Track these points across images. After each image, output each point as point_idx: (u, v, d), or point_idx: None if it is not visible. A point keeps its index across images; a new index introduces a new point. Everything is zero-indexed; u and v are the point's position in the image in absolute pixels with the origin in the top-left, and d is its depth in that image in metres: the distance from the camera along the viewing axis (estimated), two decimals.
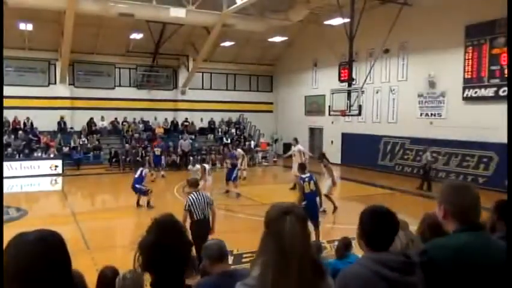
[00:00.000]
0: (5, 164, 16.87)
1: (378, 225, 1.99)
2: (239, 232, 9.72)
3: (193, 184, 7.38)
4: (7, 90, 17.93)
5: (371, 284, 1.86)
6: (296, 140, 16.17)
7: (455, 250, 2.00)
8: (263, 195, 13.63)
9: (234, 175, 14.60)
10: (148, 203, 12.23)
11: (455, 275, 1.94)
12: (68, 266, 1.42)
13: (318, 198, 9.04)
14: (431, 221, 3.37)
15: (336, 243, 7.29)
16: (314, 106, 24.18)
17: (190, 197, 6.95)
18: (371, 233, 2.00)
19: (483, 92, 15.31)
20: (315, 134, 24.49)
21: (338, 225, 10.74)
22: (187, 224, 6.44)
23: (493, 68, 14.96)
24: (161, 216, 1.76)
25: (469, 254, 1.99)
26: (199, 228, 6.60)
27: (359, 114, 15.92)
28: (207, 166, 13.79)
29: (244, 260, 7.32)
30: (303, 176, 8.88)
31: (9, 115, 20.39)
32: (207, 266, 3.16)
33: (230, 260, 5.48)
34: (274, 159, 24.07)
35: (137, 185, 12.40)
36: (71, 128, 22.11)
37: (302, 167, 9.38)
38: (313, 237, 8.32)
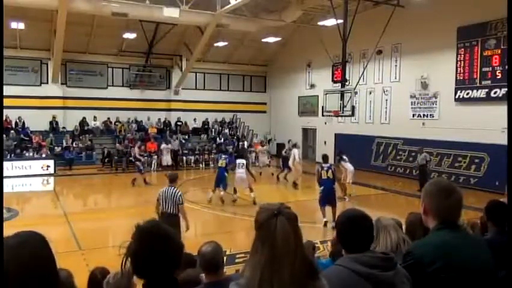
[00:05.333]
0: None
1: (352, 229, 2.02)
2: (233, 232, 9.72)
3: (171, 179, 7.65)
4: None
5: (349, 282, 1.88)
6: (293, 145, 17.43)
7: (437, 248, 2.05)
8: (257, 195, 13.61)
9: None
10: (144, 180, 15.83)
11: (440, 272, 1.98)
12: (53, 266, 1.39)
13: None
14: (408, 220, 3.46)
15: (328, 243, 7.31)
16: (307, 107, 24.24)
17: (161, 190, 7.53)
18: (346, 236, 2.04)
19: (475, 94, 15.44)
20: (308, 134, 24.54)
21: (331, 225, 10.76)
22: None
23: (485, 69, 15.09)
24: (144, 223, 1.73)
25: (451, 251, 2.04)
26: (162, 220, 7.12)
27: (352, 115, 15.98)
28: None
29: (237, 260, 7.31)
30: (324, 165, 10.65)
31: None
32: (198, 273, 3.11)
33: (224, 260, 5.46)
34: (268, 159, 24.02)
35: (137, 162, 16.02)
36: (63, 127, 21.96)
37: (324, 157, 11.14)
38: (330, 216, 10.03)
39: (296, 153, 16.57)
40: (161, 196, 7.35)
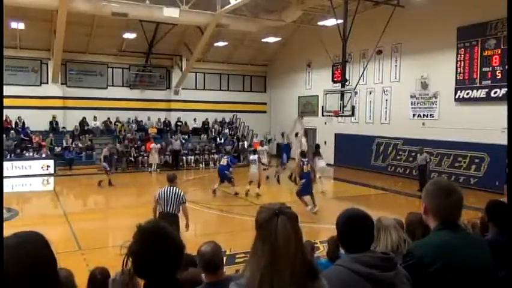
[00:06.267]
0: None
1: (351, 228, 2.01)
2: (232, 232, 9.72)
3: (170, 179, 7.54)
4: None
5: (350, 283, 1.88)
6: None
7: (437, 248, 2.06)
8: (255, 195, 13.63)
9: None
10: (109, 182, 15.68)
11: (440, 273, 1.99)
12: (53, 266, 1.38)
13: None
14: (408, 219, 3.49)
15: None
16: (307, 107, 24.23)
17: (159, 190, 7.43)
18: (346, 236, 2.03)
19: (475, 93, 15.43)
20: (308, 134, 24.49)
21: (331, 225, 10.75)
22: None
23: (485, 69, 15.08)
24: (146, 223, 1.73)
25: (451, 251, 2.05)
26: (162, 220, 6.84)
27: (352, 115, 15.97)
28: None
29: (237, 260, 7.31)
30: (303, 159, 11.79)
31: None
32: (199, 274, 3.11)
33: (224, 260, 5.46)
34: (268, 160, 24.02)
35: (104, 163, 15.95)
36: (63, 127, 21.96)
37: (302, 153, 12.49)
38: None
39: (303, 142, 16.39)
40: (161, 196, 7.25)
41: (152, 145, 20.19)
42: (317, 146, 15.38)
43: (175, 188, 7.35)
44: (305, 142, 16.88)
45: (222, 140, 24.23)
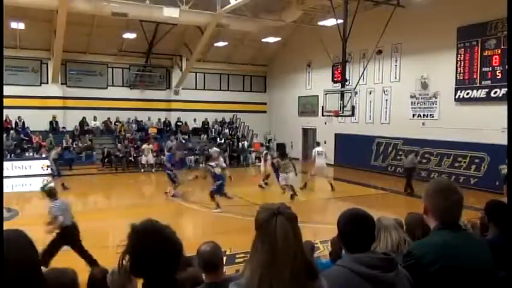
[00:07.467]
0: None
1: (353, 228, 2.00)
2: (232, 232, 9.70)
3: (52, 195, 7.27)
4: None
5: (350, 283, 1.88)
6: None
7: (437, 248, 2.06)
8: (255, 195, 13.64)
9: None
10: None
11: (440, 272, 1.99)
12: (36, 264, 1.38)
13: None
14: (407, 220, 3.50)
15: (328, 243, 7.30)
16: (307, 107, 24.24)
17: (54, 206, 7.01)
18: (347, 236, 2.03)
19: (475, 94, 15.43)
20: (308, 134, 24.54)
21: (331, 225, 10.74)
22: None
23: (485, 69, 15.08)
24: (140, 223, 1.73)
25: (451, 251, 2.05)
26: (70, 233, 6.97)
27: (352, 115, 15.97)
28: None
29: (237, 260, 7.31)
30: (213, 163, 12.15)
31: None
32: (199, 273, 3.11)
33: (223, 260, 5.44)
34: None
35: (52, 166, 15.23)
36: (63, 127, 21.97)
37: (207, 157, 12.96)
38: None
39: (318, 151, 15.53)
40: (62, 211, 6.98)
41: (144, 146, 20.29)
42: (317, 144, 15.64)
43: (61, 200, 7.29)
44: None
45: (222, 140, 24.23)
